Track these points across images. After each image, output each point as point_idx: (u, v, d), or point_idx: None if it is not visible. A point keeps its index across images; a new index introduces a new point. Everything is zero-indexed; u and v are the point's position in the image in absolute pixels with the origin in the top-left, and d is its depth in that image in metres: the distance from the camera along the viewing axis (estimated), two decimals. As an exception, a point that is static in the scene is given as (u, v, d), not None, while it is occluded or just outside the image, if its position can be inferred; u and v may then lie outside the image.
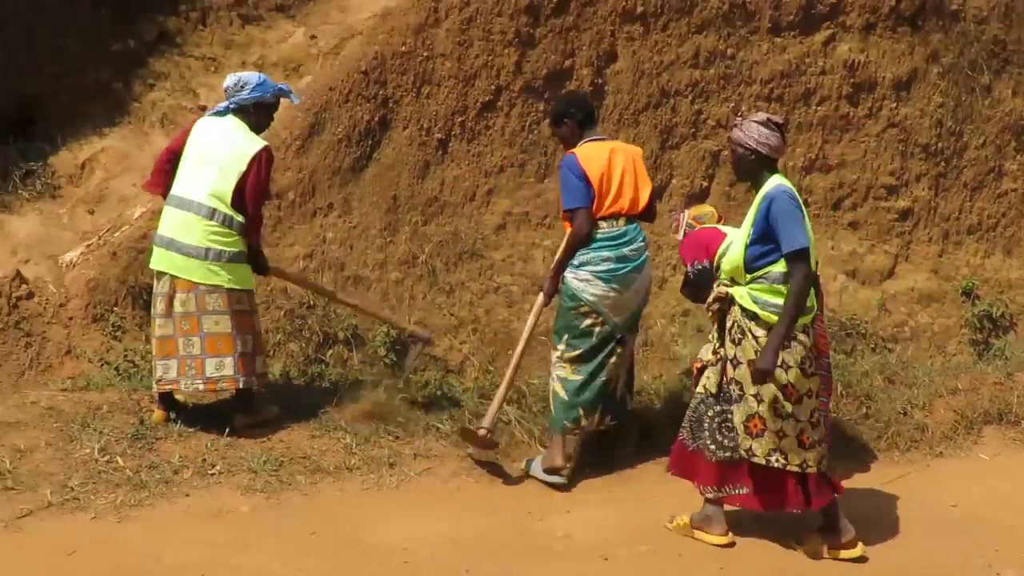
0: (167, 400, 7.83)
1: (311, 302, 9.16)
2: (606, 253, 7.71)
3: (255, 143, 7.66)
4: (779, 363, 6.40)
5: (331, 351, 8.93)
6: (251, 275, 7.86)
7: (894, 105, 11.24)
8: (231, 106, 7.76)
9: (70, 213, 9.62)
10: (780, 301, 6.41)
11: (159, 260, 7.63)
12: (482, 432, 7.69)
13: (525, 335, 7.90)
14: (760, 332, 6.46)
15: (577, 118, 7.94)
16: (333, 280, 9.28)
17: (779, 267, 6.47)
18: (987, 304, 10.96)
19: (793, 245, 6.36)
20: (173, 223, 7.58)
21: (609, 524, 7.08)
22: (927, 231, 11.28)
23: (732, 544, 6.86)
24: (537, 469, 7.75)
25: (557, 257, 7.82)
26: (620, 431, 8.14)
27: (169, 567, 6.15)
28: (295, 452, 7.62)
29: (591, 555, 6.67)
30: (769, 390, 6.47)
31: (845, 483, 7.66)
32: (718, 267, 7.23)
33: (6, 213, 9.41)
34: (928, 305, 10.99)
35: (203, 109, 9.69)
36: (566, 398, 7.77)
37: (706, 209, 8.45)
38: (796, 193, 6.62)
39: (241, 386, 7.72)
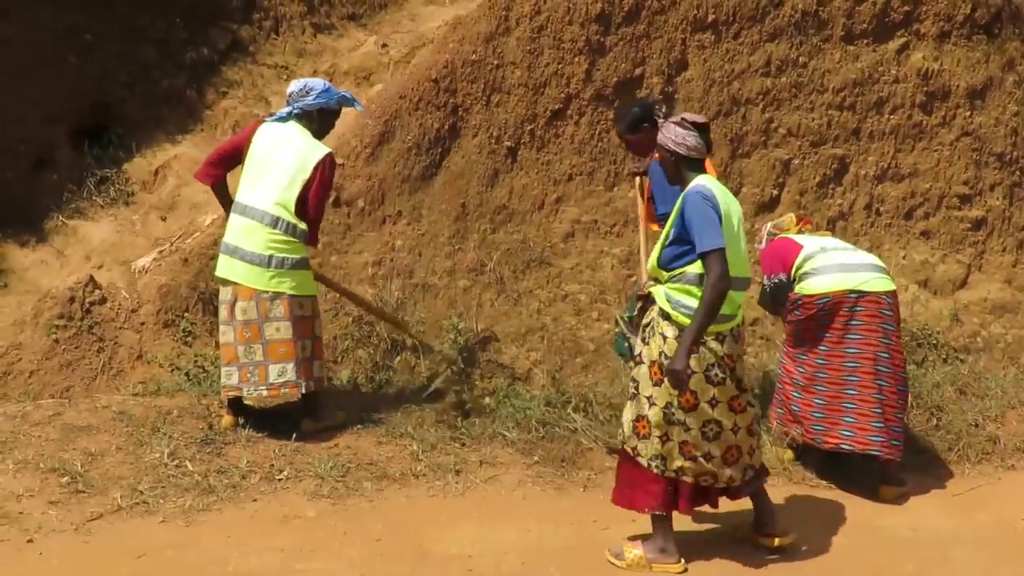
0: (236, 405, 7.89)
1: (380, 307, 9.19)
2: None
3: (320, 149, 7.70)
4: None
5: (398, 358, 8.96)
6: (313, 281, 7.90)
7: (968, 114, 11.13)
8: (295, 111, 7.80)
9: (143, 219, 9.75)
10: (693, 302, 6.23)
11: (223, 268, 7.71)
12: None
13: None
14: (670, 332, 6.30)
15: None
16: (402, 287, 9.31)
17: (695, 268, 6.27)
18: (1061, 315, 10.82)
19: (705, 246, 6.13)
20: (237, 230, 7.66)
21: (675, 532, 7.04)
22: (1001, 241, 11.15)
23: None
24: None
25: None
26: None
27: (236, 572, 6.18)
28: (362, 458, 7.64)
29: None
30: (664, 393, 6.35)
31: (915, 496, 7.66)
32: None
33: (80, 219, 9.55)
34: (1001, 315, 10.85)
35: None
36: None
37: (786, 217, 8.43)
38: (716, 193, 6.31)
39: (303, 391, 7.77)
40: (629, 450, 6.55)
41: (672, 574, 6.56)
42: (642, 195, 8.05)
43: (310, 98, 7.78)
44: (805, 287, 7.81)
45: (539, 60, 10.18)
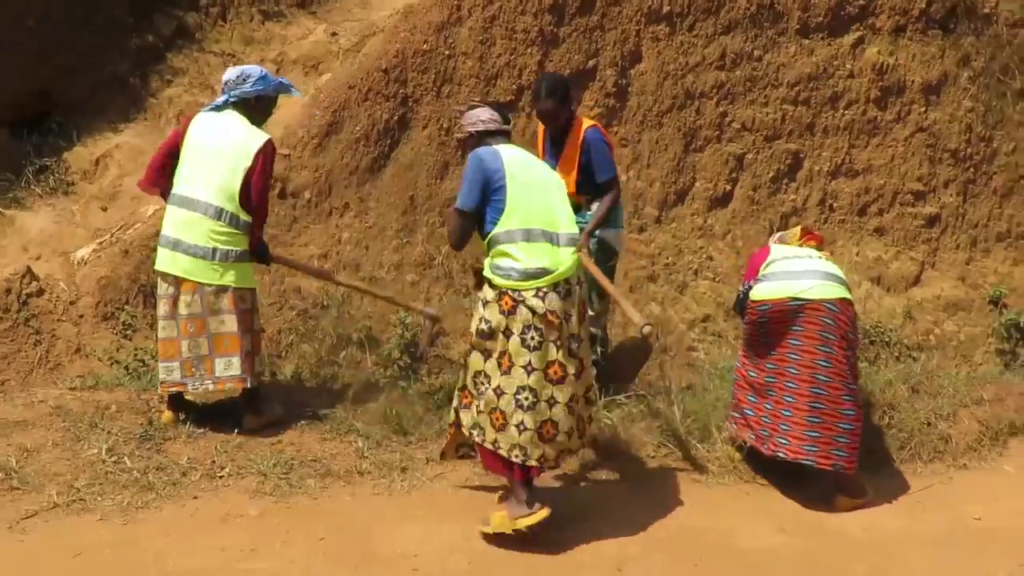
0: (176, 401, 7.81)
1: (324, 302, 9.13)
2: None
3: (259, 136, 7.63)
4: (492, 327, 6.41)
5: (344, 353, 8.90)
6: (254, 273, 7.83)
7: (923, 109, 11.17)
8: (231, 99, 7.72)
9: (83, 210, 9.63)
10: (500, 260, 6.45)
11: (164, 261, 7.60)
12: (647, 329, 7.14)
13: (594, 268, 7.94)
14: (490, 295, 6.47)
15: None
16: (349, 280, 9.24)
17: (498, 227, 6.49)
18: (1015, 313, 10.86)
19: (456, 204, 6.57)
20: (178, 223, 7.55)
21: (624, 533, 7.01)
22: (955, 238, 11.20)
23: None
24: None
25: (600, 215, 8.21)
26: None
27: (175, 571, 6.10)
28: (305, 455, 7.56)
29: (605, 566, 6.60)
30: (475, 360, 6.50)
31: (869, 494, 7.66)
32: None
33: (18, 209, 9.43)
34: (954, 313, 10.90)
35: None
36: None
37: (792, 230, 8.42)
38: (494, 153, 6.62)
39: (248, 385, 7.70)
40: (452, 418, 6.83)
41: (535, 522, 6.54)
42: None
43: (247, 85, 7.71)
44: (752, 293, 7.82)
45: (491, 51, 10.14)
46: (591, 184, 8.28)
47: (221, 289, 7.54)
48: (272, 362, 8.62)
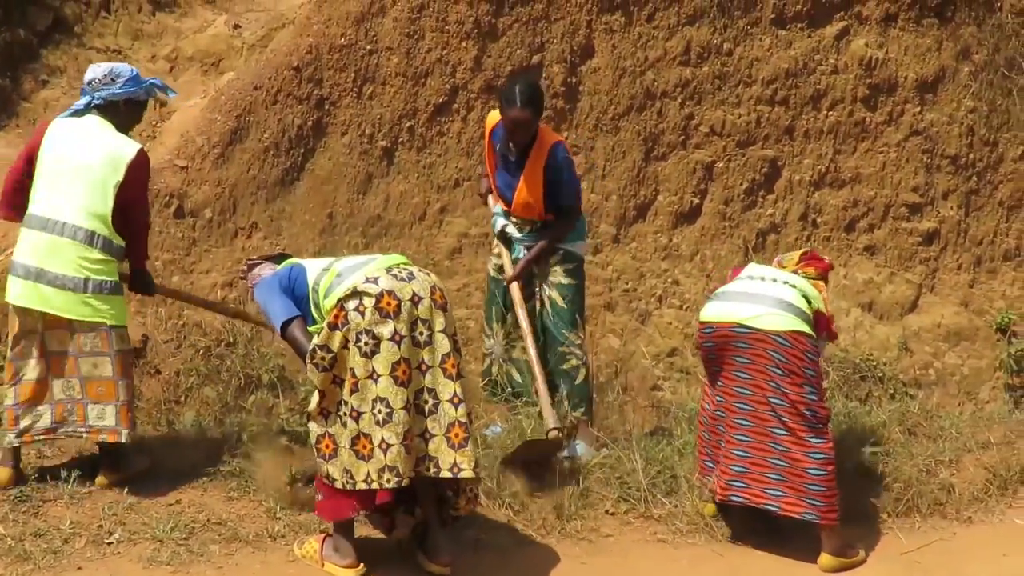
0: (16, 457, 7.64)
1: (231, 339, 9.11)
2: None
3: (130, 145, 7.50)
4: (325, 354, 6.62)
5: (253, 397, 8.84)
6: (125, 310, 7.77)
7: (918, 110, 11.32)
8: (95, 102, 7.58)
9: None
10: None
11: (24, 295, 7.39)
12: (553, 434, 8.11)
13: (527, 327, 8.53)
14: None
15: None
16: (258, 311, 9.19)
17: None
18: (1025, 343, 11.02)
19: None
20: (39, 249, 7.35)
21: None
22: (956, 257, 11.35)
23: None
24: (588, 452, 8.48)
25: (541, 246, 8.63)
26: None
27: (56, 654, 6.12)
28: (208, 517, 7.51)
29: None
30: (318, 378, 6.71)
31: (859, 555, 7.74)
32: None
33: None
34: (956, 344, 11.04)
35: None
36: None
37: (792, 253, 8.49)
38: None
39: (123, 439, 7.59)
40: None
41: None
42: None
43: (116, 86, 7.55)
44: (701, 313, 8.08)
45: (419, 45, 10.21)
46: (554, 204, 8.47)
47: (95, 326, 7.40)
48: (169, 409, 8.60)
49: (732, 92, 10.95)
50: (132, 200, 7.47)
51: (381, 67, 10.14)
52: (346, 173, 9.95)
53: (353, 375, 6.53)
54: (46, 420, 7.51)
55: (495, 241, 8.88)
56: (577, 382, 8.67)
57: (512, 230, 8.71)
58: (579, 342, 8.72)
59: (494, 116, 8.65)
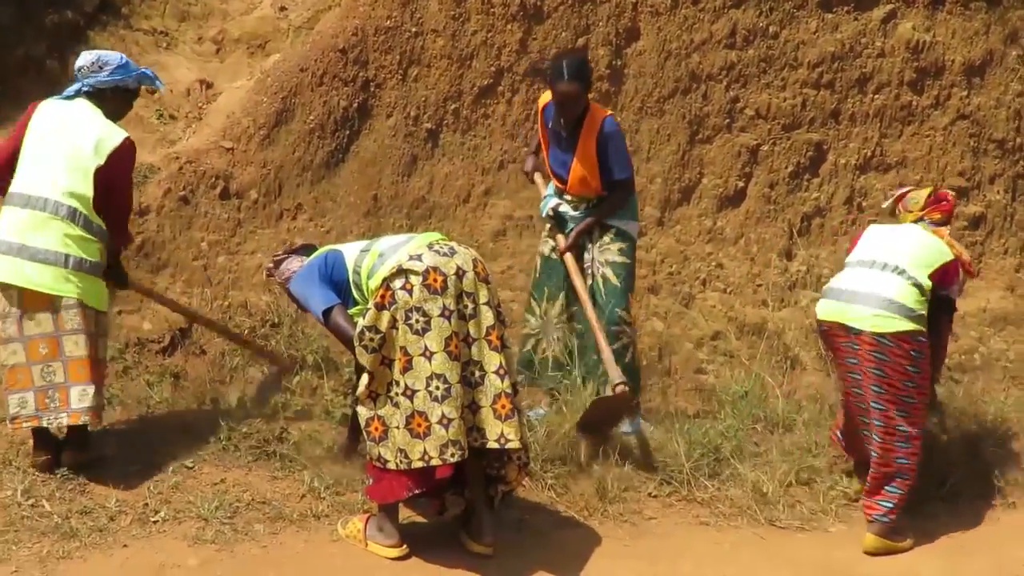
0: (44, 438, 7.63)
1: (275, 320, 9.14)
2: None
3: (117, 133, 7.50)
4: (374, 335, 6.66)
5: (297, 378, 8.87)
6: (106, 295, 7.73)
7: (965, 94, 11.26)
8: (84, 88, 7.59)
9: (-2, 210, 9.65)
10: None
11: (5, 271, 7.33)
12: (620, 388, 8.11)
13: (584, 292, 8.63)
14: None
15: None
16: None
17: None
18: (1072, 328, 10.95)
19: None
20: (21, 225, 7.31)
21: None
22: (1002, 241, 11.29)
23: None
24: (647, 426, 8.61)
25: (597, 216, 8.72)
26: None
27: (102, 631, 6.16)
28: (253, 496, 7.57)
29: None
30: (367, 360, 6.74)
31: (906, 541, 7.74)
32: None
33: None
34: (1002, 328, 10.97)
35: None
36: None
37: (921, 191, 8.43)
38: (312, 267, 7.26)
39: (98, 420, 7.65)
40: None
41: (383, 556, 6.97)
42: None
43: (103, 74, 7.56)
44: (817, 307, 8.27)
45: (465, 27, 10.21)
46: (607, 179, 8.56)
47: (73, 304, 7.36)
48: (214, 388, 8.64)
49: (778, 75, 10.92)
50: (113, 186, 7.45)
51: (426, 49, 10.14)
52: (391, 155, 9.96)
53: (405, 353, 6.56)
54: (30, 407, 7.41)
55: (547, 225, 8.90)
56: (626, 360, 8.67)
57: (566, 208, 8.72)
58: (629, 320, 8.77)
59: (546, 96, 8.71)
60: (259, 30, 10.98)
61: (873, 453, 7.78)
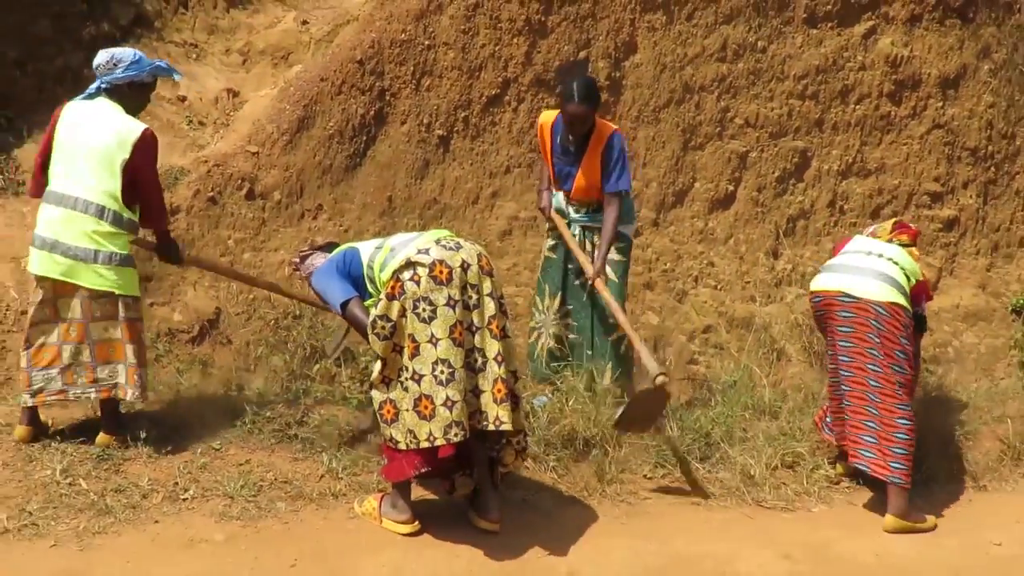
0: (33, 416, 7.70)
1: (297, 312, 9.16)
2: None
3: (136, 126, 7.50)
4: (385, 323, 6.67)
5: (317, 366, 8.90)
6: (138, 281, 7.77)
7: (940, 104, 11.26)
8: (103, 86, 7.59)
9: (35, 212, 9.57)
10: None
11: (41, 264, 7.46)
12: (660, 379, 7.96)
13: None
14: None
15: None
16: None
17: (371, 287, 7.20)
18: (1039, 324, 10.95)
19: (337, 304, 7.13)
20: (54, 222, 7.42)
21: (616, 560, 7.08)
22: (974, 243, 11.29)
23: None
24: None
25: (610, 235, 8.59)
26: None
27: (135, 600, 6.16)
28: (275, 476, 7.59)
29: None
30: (379, 347, 6.74)
31: (878, 519, 7.75)
32: None
33: (-29, 213, 9.44)
34: (974, 324, 10.98)
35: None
36: None
37: (885, 223, 8.60)
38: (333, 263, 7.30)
39: (130, 398, 7.64)
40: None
41: (397, 532, 7.03)
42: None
43: (118, 71, 7.56)
44: (811, 283, 8.38)
45: (474, 41, 10.21)
46: (608, 188, 8.58)
47: (104, 295, 7.45)
48: (239, 376, 8.66)
49: (765, 87, 10.92)
50: (140, 177, 7.47)
51: (438, 61, 10.15)
52: (405, 159, 9.97)
53: (413, 340, 6.60)
54: (57, 383, 7.54)
55: (547, 225, 8.92)
56: (622, 350, 8.77)
57: (569, 210, 8.74)
58: (625, 313, 8.73)
59: (547, 114, 8.77)
60: (282, 43, 10.99)
61: (870, 423, 7.83)
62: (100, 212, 7.36)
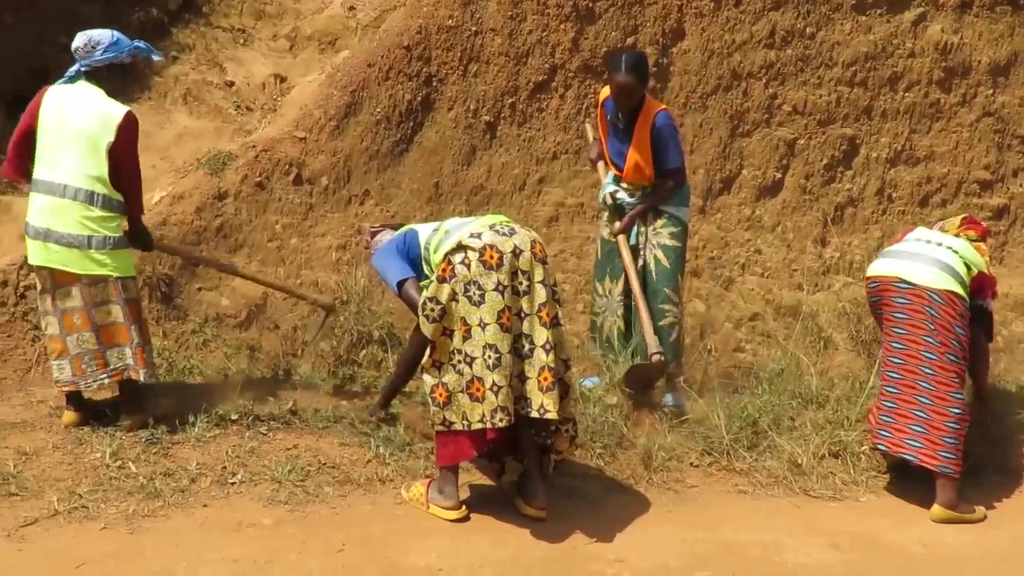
0: (76, 400, 7.74)
1: (344, 297, 9.16)
2: None
3: (118, 108, 7.46)
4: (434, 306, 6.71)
5: (364, 351, 8.90)
6: (133, 261, 7.78)
7: (990, 92, 11.19)
8: (82, 69, 7.56)
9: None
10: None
11: (37, 254, 7.47)
12: (656, 357, 8.32)
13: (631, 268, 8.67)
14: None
15: None
16: (368, 273, 9.21)
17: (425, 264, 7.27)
18: (1090, 313, 10.87)
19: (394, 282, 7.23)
20: (45, 211, 7.40)
21: (663, 547, 7.07)
22: (1024, 231, 11.24)
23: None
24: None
25: (651, 202, 8.72)
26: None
27: (184, 584, 6.18)
28: (323, 461, 7.60)
29: (644, 581, 6.67)
30: (429, 329, 6.76)
31: (926, 510, 7.70)
32: None
33: (15, 195, 9.47)
34: (1024, 313, 10.94)
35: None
36: None
37: (954, 218, 8.58)
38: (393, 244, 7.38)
39: (142, 378, 7.65)
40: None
41: (443, 518, 7.04)
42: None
43: (97, 53, 7.52)
44: (868, 269, 8.34)
45: (521, 27, 10.19)
46: (661, 168, 8.58)
47: (102, 279, 7.45)
48: (287, 360, 8.68)
49: (814, 74, 10.87)
50: (121, 159, 7.43)
51: (485, 47, 10.14)
52: (452, 145, 9.97)
53: (464, 323, 6.63)
54: (67, 373, 7.55)
55: (605, 212, 8.91)
56: (672, 339, 8.72)
57: (623, 196, 8.73)
58: (677, 300, 8.77)
59: (606, 90, 8.73)
60: (330, 28, 10.99)
61: (919, 412, 7.77)
62: (90, 197, 7.35)
